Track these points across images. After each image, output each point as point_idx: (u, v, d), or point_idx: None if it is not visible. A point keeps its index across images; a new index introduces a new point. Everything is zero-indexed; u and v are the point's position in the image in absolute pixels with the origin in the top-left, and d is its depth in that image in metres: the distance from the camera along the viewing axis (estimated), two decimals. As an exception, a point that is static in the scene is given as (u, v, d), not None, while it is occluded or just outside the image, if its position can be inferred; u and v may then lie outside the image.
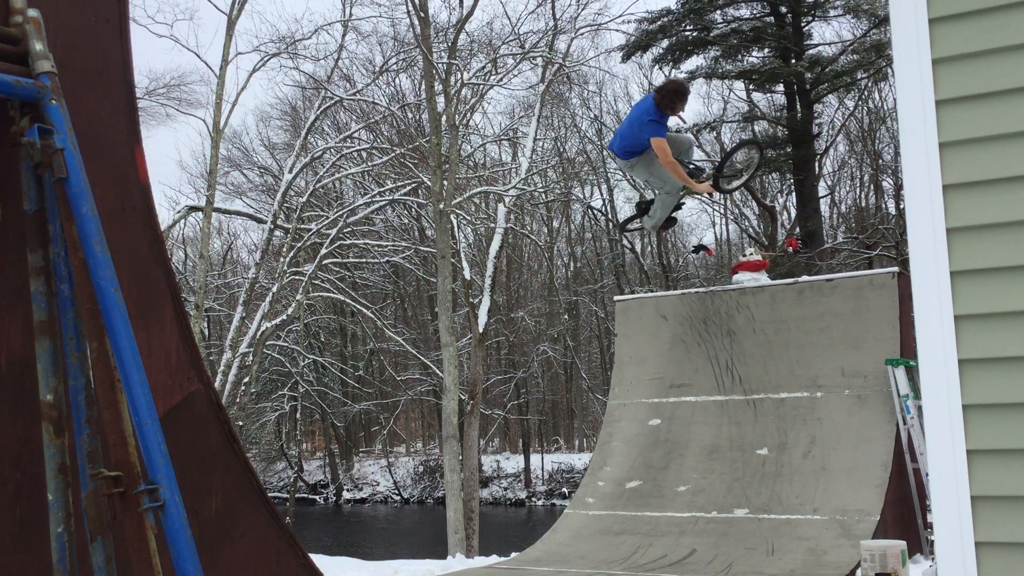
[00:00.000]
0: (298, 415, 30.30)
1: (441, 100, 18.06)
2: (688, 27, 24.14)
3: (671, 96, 7.59)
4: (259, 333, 20.86)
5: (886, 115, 28.88)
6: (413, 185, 21.99)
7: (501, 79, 20.27)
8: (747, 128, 29.05)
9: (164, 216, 26.83)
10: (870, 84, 26.63)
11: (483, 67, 20.30)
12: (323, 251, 21.91)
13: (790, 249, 16.65)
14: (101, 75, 3.23)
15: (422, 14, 17.50)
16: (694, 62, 25.20)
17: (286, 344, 26.40)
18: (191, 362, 3.46)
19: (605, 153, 33.65)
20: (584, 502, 8.89)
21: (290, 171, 21.65)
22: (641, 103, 7.92)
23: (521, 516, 31.68)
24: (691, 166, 8.12)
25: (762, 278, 9.74)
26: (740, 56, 24.59)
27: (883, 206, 30.37)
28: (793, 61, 23.24)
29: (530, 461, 35.45)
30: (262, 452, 32.02)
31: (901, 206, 25.56)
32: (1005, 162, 2.68)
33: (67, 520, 2.68)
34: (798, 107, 23.72)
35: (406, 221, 31.38)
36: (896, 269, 8.90)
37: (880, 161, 29.78)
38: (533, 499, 34.20)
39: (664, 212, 8.43)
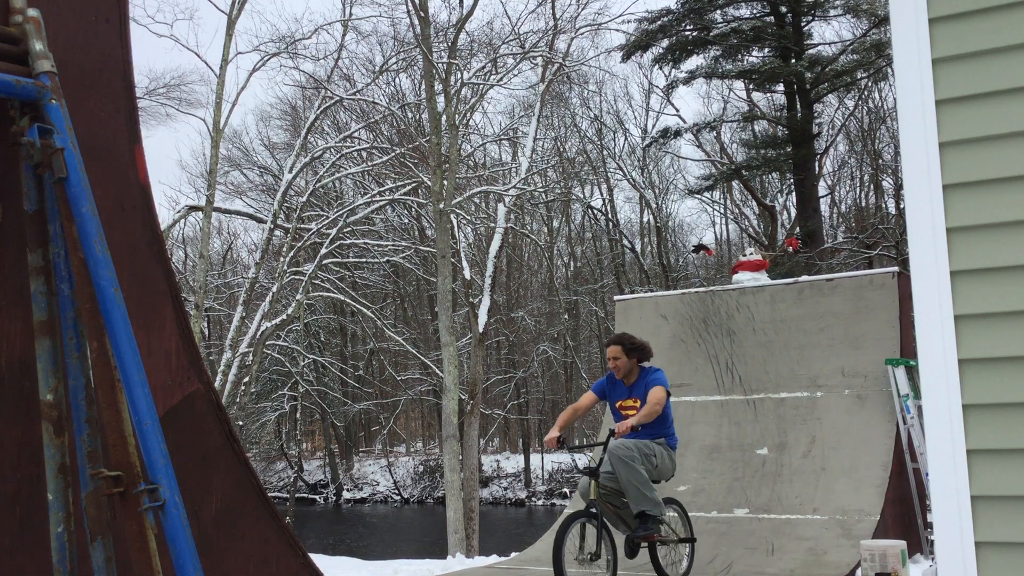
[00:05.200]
0: (298, 415, 30.28)
1: (441, 100, 18.05)
2: (688, 27, 24.15)
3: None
4: (259, 333, 20.85)
5: (886, 115, 28.87)
6: (413, 185, 21.98)
7: (501, 79, 20.26)
8: (747, 128, 29.04)
9: (164, 216, 26.88)
10: (870, 84, 26.64)
11: (483, 67, 20.29)
12: (323, 251, 21.90)
13: (790, 249, 16.61)
14: (101, 75, 3.23)
15: (422, 13, 17.50)
16: (694, 62, 25.26)
17: (286, 344, 26.38)
18: (191, 362, 3.46)
19: (605, 153, 33.69)
20: (584, 502, 8.88)
21: (290, 171, 21.65)
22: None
23: (521, 516, 31.65)
24: None
25: (762, 278, 9.73)
26: (740, 56, 24.60)
27: (883, 206, 30.37)
28: (793, 61, 23.23)
29: (530, 461, 35.45)
30: (262, 452, 31.99)
31: (901, 206, 25.55)
32: (1005, 162, 2.68)
33: (67, 520, 2.68)
34: (798, 107, 23.73)
35: (406, 221, 31.38)
36: (896, 269, 8.89)
37: (880, 161, 29.78)
38: (533, 499, 34.18)
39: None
